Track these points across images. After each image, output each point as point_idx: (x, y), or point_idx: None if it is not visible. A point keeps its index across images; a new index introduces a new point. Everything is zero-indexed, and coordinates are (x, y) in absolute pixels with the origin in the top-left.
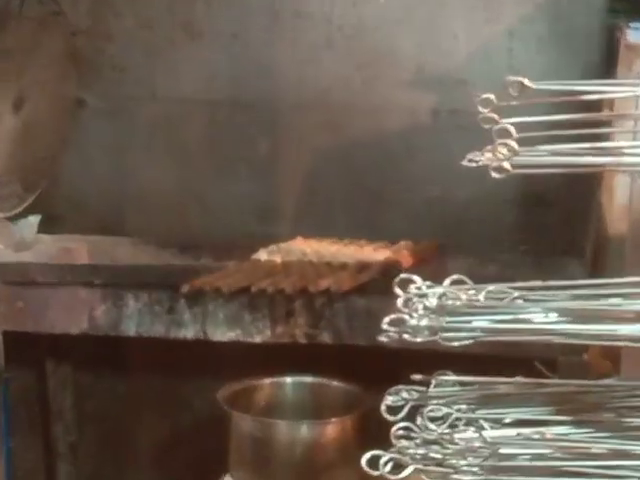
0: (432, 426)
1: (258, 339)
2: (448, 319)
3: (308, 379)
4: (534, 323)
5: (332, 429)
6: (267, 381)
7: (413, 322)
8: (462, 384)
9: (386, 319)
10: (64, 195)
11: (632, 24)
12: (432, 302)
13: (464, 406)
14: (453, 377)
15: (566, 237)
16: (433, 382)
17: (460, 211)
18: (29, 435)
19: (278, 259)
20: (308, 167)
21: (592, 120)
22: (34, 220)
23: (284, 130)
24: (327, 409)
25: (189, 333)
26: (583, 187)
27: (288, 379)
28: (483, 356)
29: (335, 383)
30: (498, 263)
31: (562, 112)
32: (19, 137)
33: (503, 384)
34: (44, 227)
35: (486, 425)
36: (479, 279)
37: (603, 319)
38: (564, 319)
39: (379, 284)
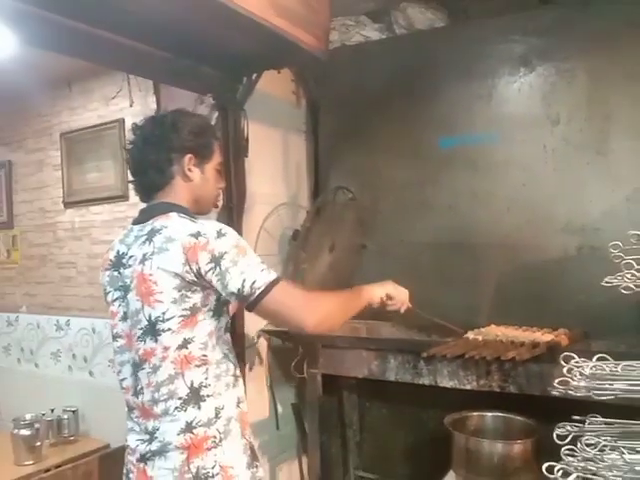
0: (588, 449)
1: (468, 387)
2: (597, 382)
3: (501, 414)
4: None
5: (517, 448)
6: (475, 414)
7: (574, 383)
8: (606, 423)
9: (557, 380)
10: None
11: None
12: (586, 371)
13: (609, 437)
14: (600, 418)
15: None
16: (587, 421)
17: (599, 309)
18: (333, 436)
19: (480, 338)
20: (497, 282)
21: None
22: None
23: (482, 261)
24: (513, 434)
25: (426, 381)
26: None
27: (488, 413)
28: (620, 405)
29: (518, 417)
30: (628, 344)
31: None
32: (332, 266)
33: (635, 425)
34: None
35: (625, 451)
36: (615, 356)
37: None
38: None
39: (546, 356)
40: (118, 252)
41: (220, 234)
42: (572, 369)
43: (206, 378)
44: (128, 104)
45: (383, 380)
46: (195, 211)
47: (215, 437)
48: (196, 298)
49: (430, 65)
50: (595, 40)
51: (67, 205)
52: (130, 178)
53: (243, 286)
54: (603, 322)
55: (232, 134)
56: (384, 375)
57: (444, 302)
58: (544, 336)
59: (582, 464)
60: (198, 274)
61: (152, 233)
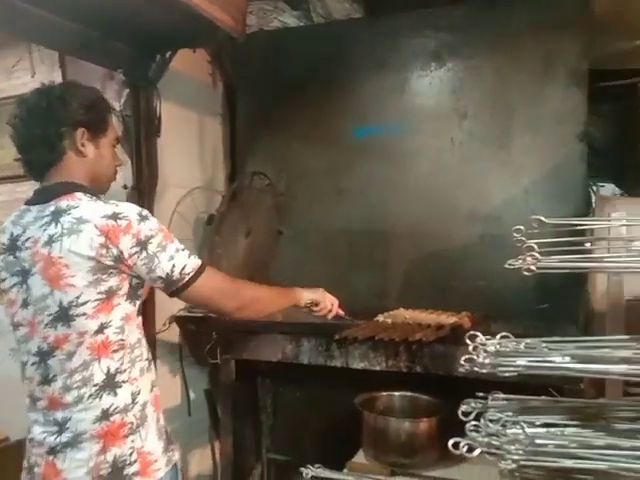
0: (491, 425)
1: (378, 368)
2: (501, 359)
3: (408, 393)
4: (555, 363)
5: (422, 425)
6: (384, 394)
7: (480, 360)
8: (507, 400)
9: (463, 357)
10: (270, 283)
11: (601, 184)
12: (491, 348)
13: (510, 413)
14: (502, 395)
15: (567, 311)
16: (490, 398)
17: (498, 294)
18: (245, 420)
19: (389, 320)
20: (406, 268)
21: (581, 241)
22: None
23: (392, 247)
24: (419, 413)
25: (337, 363)
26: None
27: (396, 393)
28: (520, 384)
29: (424, 397)
30: (525, 326)
31: (564, 236)
32: (247, 252)
33: (534, 400)
34: None
35: (525, 425)
36: (516, 336)
37: (598, 361)
38: (574, 361)
39: (450, 337)
40: (12, 234)
41: (143, 217)
42: (477, 347)
43: (122, 364)
44: (30, 77)
45: (296, 364)
46: (93, 189)
47: (132, 423)
48: (112, 282)
49: (346, 55)
50: (500, 38)
51: None
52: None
53: (172, 271)
54: (502, 306)
55: (143, 112)
56: (298, 358)
57: (356, 287)
58: (448, 319)
59: (486, 439)
60: (118, 258)
61: (58, 214)
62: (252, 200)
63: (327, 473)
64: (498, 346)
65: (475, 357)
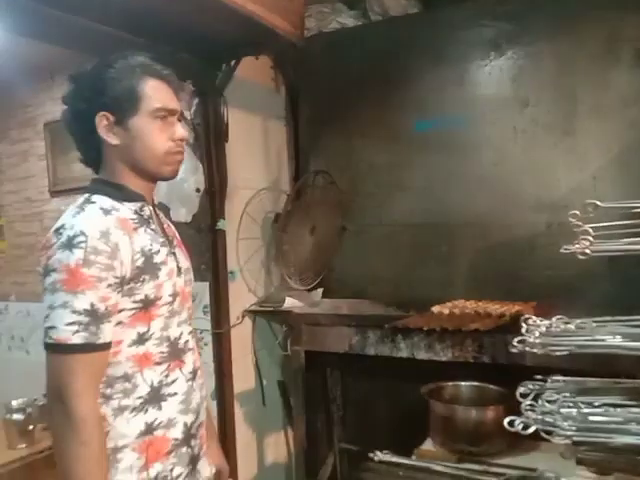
0: (547, 404)
1: (444, 358)
2: (552, 339)
3: (474, 383)
4: (605, 342)
5: (489, 413)
6: (450, 384)
7: (530, 340)
8: (565, 381)
9: (516, 338)
10: (335, 278)
11: None
12: (542, 329)
13: (567, 394)
14: (561, 377)
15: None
16: (549, 380)
17: (568, 283)
18: (317, 411)
19: (446, 311)
20: (470, 261)
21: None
22: (320, 291)
23: (455, 239)
24: (486, 402)
25: (403, 354)
26: None
27: (462, 383)
28: (586, 370)
29: (491, 386)
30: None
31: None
32: (313, 248)
33: (592, 381)
34: (325, 294)
35: (582, 405)
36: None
37: None
38: (626, 339)
39: (511, 326)
40: None
41: (66, 242)
42: (530, 329)
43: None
44: None
45: (363, 354)
46: (143, 179)
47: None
48: None
49: (404, 50)
50: (560, 22)
51: (53, 194)
52: None
53: (44, 321)
54: (573, 295)
55: (212, 120)
56: (364, 350)
57: (420, 279)
58: (511, 308)
59: (540, 417)
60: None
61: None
62: (316, 198)
63: (396, 458)
64: (550, 326)
65: (528, 337)
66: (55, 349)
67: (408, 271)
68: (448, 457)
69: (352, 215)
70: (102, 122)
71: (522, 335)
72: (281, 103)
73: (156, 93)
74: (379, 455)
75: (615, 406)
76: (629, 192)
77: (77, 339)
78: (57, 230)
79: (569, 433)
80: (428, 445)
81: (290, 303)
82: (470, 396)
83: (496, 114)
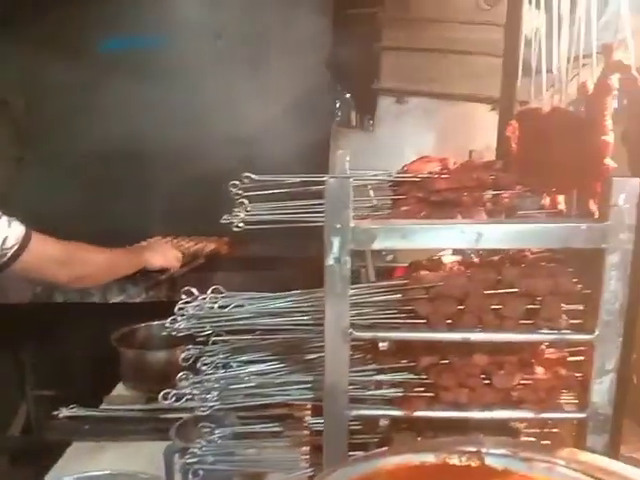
0: (204, 369)
1: (138, 300)
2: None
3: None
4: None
5: (179, 353)
6: (142, 325)
7: (176, 326)
8: (223, 342)
9: (169, 319)
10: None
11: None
12: (190, 311)
13: (221, 355)
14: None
15: None
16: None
17: None
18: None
19: None
20: (167, 194)
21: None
22: None
23: (152, 171)
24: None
25: (95, 299)
26: None
27: (154, 323)
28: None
29: None
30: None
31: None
32: None
33: (241, 340)
34: None
35: (234, 364)
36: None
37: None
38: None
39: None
40: None
41: None
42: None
43: None
44: None
45: (57, 303)
46: None
47: None
48: None
49: None
50: None
51: None
52: None
53: None
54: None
55: None
56: (52, 298)
57: (115, 212)
58: (206, 246)
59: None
60: None
61: None
62: None
63: (82, 411)
64: (196, 308)
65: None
66: (22, 247)
67: (102, 204)
68: (138, 400)
69: (31, 143)
70: None
71: (174, 315)
72: None
73: None
74: (64, 411)
75: (260, 362)
76: (312, 134)
77: (23, 227)
78: None
79: (211, 404)
80: (120, 389)
81: None
82: (162, 336)
83: (193, 43)
